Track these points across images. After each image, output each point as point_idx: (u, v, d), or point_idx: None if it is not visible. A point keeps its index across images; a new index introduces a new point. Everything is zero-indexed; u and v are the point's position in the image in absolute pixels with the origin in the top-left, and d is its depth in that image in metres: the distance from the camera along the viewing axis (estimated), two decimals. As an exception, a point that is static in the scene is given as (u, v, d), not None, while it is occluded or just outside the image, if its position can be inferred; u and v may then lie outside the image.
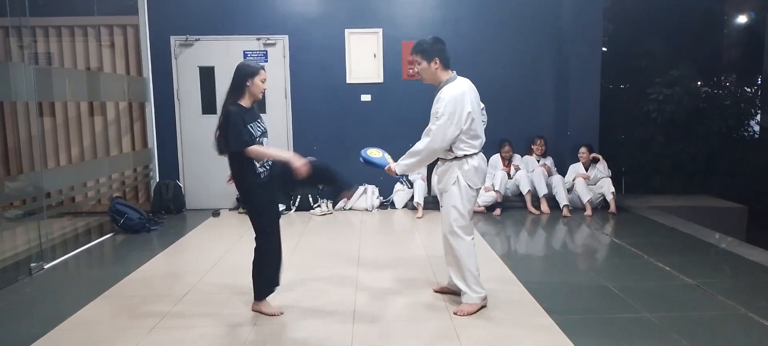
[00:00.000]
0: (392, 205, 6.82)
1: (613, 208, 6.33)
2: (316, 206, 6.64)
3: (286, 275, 4.16)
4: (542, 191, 6.45)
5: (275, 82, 6.90)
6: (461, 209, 3.32)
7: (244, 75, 3.27)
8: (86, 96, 6.00)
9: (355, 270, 4.29)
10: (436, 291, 3.76)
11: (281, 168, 3.33)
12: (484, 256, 4.69)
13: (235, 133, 3.14)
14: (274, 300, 3.54)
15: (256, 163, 3.23)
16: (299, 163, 3.17)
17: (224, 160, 3.39)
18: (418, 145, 3.31)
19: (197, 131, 6.80)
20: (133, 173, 6.86)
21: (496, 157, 6.77)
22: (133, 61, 6.79)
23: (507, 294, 3.73)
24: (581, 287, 3.89)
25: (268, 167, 3.31)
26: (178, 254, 4.97)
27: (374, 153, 3.62)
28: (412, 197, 6.55)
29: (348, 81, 6.93)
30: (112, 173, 6.46)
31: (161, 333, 3.17)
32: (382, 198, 6.87)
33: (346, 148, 6.81)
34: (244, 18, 6.79)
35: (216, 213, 6.58)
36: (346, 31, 6.86)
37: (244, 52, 6.82)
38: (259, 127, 3.31)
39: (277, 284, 3.53)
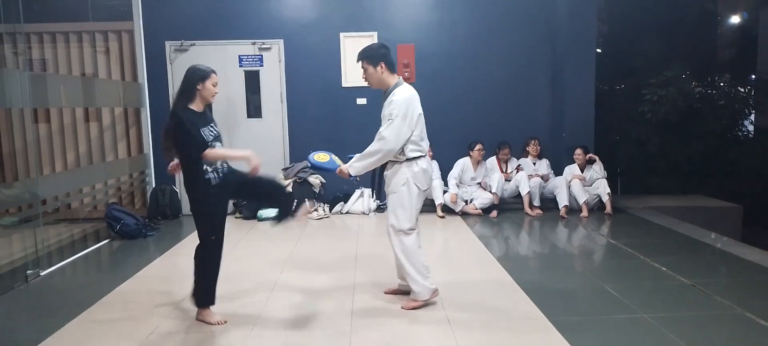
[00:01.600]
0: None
1: (609, 208, 6.35)
2: (312, 210, 6.64)
3: (284, 278, 4.18)
4: (535, 199, 6.54)
5: (271, 87, 6.91)
6: (408, 210, 3.43)
7: (194, 79, 3.20)
8: (81, 102, 5.99)
9: (353, 274, 4.29)
10: (387, 292, 3.81)
11: (236, 178, 3.33)
12: (481, 258, 4.70)
13: (191, 138, 3.10)
14: (276, 303, 3.54)
15: (208, 167, 3.18)
16: (255, 162, 3.15)
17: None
18: (374, 147, 3.37)
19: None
20: (129, 179, 6.85)
21: (493, 160, 6.79)
22: (129, 67, 6.78)
23: (504, 297, 3.74)
24: (578, 289, 3.90)
25: (219, 174, 3.25)
26: (174, 259, 4.96)
27: (321, 157, 3.59)
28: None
29: (343, 85, 6.94)
30: (108, 179, 6.45)
31: (159, 338, 3.16)
32: (378, 201, 6.87)
33: (342, 152, 6.78)
34: (239, 23, 6.79)
35: (212, 218, 6.56)
36: (342, 34, 6.88)
37: (239, 56, 6.83)
38: (211, 132, 3.22)
39: (212, 302, 3.43)
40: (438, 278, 4.05)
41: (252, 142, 6.90)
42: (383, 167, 3.55)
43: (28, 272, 4.39)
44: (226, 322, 3.36)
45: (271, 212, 6.49)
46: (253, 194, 3.32)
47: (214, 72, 3.29)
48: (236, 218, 6.61)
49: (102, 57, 6.73)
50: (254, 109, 6.95)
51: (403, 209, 3.41)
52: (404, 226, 3.43)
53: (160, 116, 6.80)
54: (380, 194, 3.61)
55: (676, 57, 7.51)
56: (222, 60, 6.79)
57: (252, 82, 6.91)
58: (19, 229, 5.81)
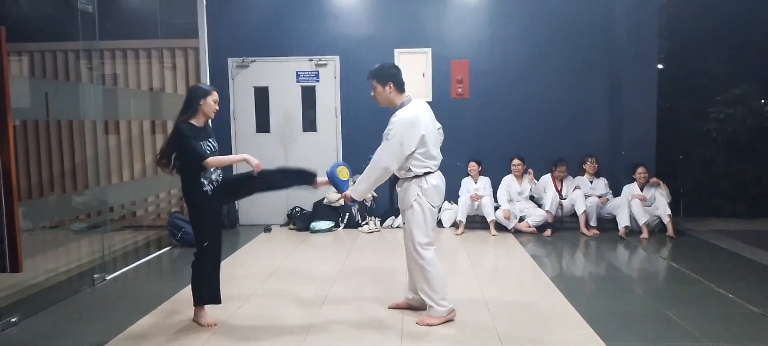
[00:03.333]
0: (440, 223, 6.79)
1: (670, 230, 6.10)
2: (364, 223, 6.69)
3: (334, 292, 4.23)
4: (592, 219, 6.38)
5: (326, 102, 7.05)
6: (423, 227, 3.45)
7: (197, 95, 3.46)
8: (149, 115, 6.29)
9: (403, 290, 4.28)
10: (391, 308, 3.82)
11: (230, 182, 3.53)
12: (534, 278, 4.61)
13: (193, 148, 3.30)
14: (326, 316, 3.58)
15: (204, 180, 3.37)
16: (255, 161, 3.37)
17: None
18: (367, 170, 3.43)
19: (251, 148, 6.99)
20: (189, 189, 7.09)
21: (547, 177, 6.66)
22: (193, 82, 7.05)
23: (560, 320, 3.64)
24: (638, 313, 3.75)
25: (214, 184, 3.45)
26: (231, 267, 5.10)
27: (342, 173, 3.61)
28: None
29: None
30: (171, 189, 6.71)
31: (216, 343, 3.26)
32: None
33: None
34: (297, 40, 6.99)
35: (268, 229, 6.73)
36: (396, 51, 6.95)
37: (296, 72, 7.01)
38: (208, 146, 3.43)
39: (217, 301, 3.61)
40: (489, 297, 4.02)
41: (307, 155, 7.05)
42: (394, 183, 3.61)
43: (95, 275, 4.62)
44: (216, 325, 3.52)
45: (324, 224, 6.59)
46: (251, 188, 3.58)
47: (215, 90, 3.54)
48: (290, 229, 6.74)
49: (169, 72, 7.05)
50: (309, 124, 7.11)
51: (417, 224, 3.45)
52: (421, 240, 3.45)
53: (220, 129, 7.02)
54: (394, 209, 3.64)
55: (744, 74, 7.17)
56: (280, 75, 7.00)
57: (308, 97, 7.08)
58: (88, 235, 6.14)
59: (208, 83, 6.91)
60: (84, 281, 4.59)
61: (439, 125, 3.68)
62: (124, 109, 5.57)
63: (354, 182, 3.63)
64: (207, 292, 3.57)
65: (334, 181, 3.59)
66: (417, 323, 3.52)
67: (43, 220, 4.86)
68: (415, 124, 3.38)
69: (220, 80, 6.98)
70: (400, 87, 3.53)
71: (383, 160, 3.38)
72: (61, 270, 5.01)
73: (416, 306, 3.72)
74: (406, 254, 3.60)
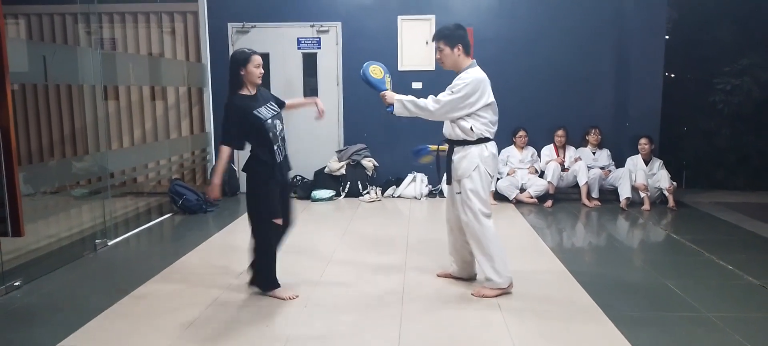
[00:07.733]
0: (441, 193, 6.79)
1: (671, 202, 6.09)
2: (365, 192, 6.69)
3: (336, 260, 4.24)
4: (594, 191, 6.36)
5: (327, 69, 6.97)
6: (483, 195, 3.40)
7: (237, 64, 3.25)
8: (148, 81, 6.23)
9: (404, 257, 4.30)
10: (440, 276, 3.82)
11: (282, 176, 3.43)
12: (535, 249, 4.62)
13: (226, 127, 3.25)
14: (327, 284, 3.60)
15: (266, 154, 3.27)
16: (322, 105, 3.63)
17: None
18: (425, 103, 3.37)
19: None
20: (191, 156, 7.09)
21: (550, 147, 6.63)
22: (193, 48, 6.99)
23: (559, 289, 3.66)
24: (637, 283, 3.77)
25: (279, 159, 3.34)
26: (232, 234, 5.11)
27: (375, 72, 3.52)
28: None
29: (399, 68, 6.91)
30: (172, 156, 6.70)
31: (218, 309, 3.28)
32: (430, 186, 6.85)
33: (397, 135, 6.84)
34: (298, 5, 6.87)
35: (268, 197, 6.72)
36: (399, 18, 6.84)
37: (297, 39, 6.92)
38: (270, 109, 3.33)
39: (277, 284, 3.50)
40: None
41: (307, 123, 7.00)
42: (450, 152, 3.51)
43: (97, 241, 4.64)
44: (297, 296, 3.44)
45: (326, 192, 6.59)
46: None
47: (256, 53, 3.29)
48: (291, 197, 6.73)
49: (168, 37, 6.97)
50: (311, 92, 7.04)
51: (476, 194, 3.38)
52: (484, 209, 3.39)
53: (221, 96, 6.98)
54: (449, 178, 3.55)
55: (753, 45, 7.06)
56: (281, 42, 6.91)
57: (309, 64, 7.00)
58: (89, 200, 6.15)
59: (208, 49, 6.86)
60: (86, 246, 4.61)
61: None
62: (124, 74, 5.52)
63: (390, 81, 3.55)
64: (275, 278, 3.47)
65: (368, 81, 3.48)
66: (472, 293, 3.50)
67: (43, 185, 4.85)
68: (485, 83, 3.35)
69: (220, 46, 6.90)
70: (467, 50, 3.41)
71: (441, 111, 3.33)
72: (62, 235, 5.03)
73: (458, 276, 3.72)
74: (453, 225, 3.58)
